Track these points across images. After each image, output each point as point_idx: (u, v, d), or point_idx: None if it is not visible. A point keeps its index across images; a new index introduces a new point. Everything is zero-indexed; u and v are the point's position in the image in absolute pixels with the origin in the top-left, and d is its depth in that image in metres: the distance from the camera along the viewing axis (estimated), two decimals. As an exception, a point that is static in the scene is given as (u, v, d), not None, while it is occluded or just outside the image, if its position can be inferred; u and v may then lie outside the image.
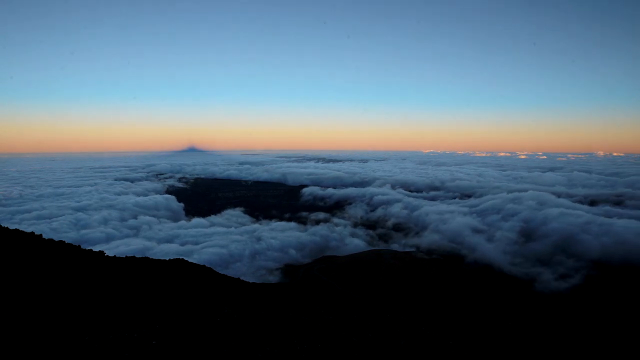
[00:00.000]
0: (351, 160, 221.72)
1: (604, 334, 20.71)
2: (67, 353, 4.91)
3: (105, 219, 55.16)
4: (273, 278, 34.37)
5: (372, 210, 67.78)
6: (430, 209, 61.16)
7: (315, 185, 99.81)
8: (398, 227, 56.31)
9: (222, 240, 43.67)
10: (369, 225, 59.58)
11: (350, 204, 75.82)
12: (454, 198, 75.96)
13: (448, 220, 52.34)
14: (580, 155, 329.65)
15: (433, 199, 75.11)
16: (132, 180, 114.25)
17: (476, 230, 47.48)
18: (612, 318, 24.48)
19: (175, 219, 59.40)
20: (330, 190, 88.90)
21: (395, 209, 64.35)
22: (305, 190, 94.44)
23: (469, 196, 75.12)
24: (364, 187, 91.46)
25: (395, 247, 46.72)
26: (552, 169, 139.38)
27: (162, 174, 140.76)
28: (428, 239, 47.42)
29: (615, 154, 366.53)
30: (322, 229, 52.89)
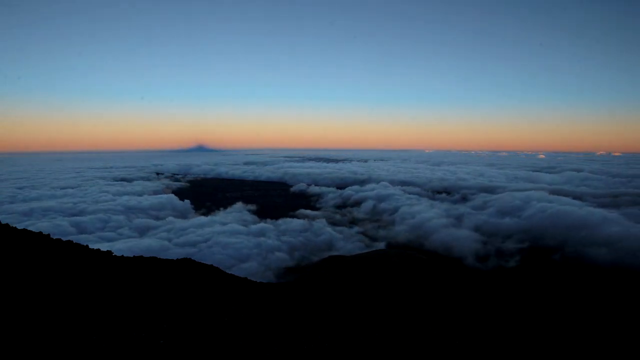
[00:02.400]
0: (350, 161, 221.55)
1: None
2: (74, 352, 4.82)
3: (105, 220, 54.60)
4: (280, 278, 34.18)
5: (371, 210, 67.66)
6: (426, 208, 61.68)
7: (317, 185, 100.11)
8: (393, 225, 56.08)
9: (229, 240, 43.33)
10: (368, 224, 59.41)
11: (350, 203, 75.78)
12: (455, 198, 76.17)
13: (445, 221, 52.89)
14: (580, 155, 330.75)
15: (432, 198, 75.18)
16: (136, 180, 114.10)
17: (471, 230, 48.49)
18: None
19: (180, 218, 59.14)
20: (332, 190, 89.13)
21: (393, 208, 64.32)
22: (308, 190, 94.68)
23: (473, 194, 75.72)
24: (363, 186, 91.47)
25: (391, 245, 46.79)
26: (540, 169, 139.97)
27: (168, 174, 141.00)
28: (423, 238, 47.74)
29: (615, 153, 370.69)
30: (324, 228, 52.77)
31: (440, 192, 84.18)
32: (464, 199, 73.21)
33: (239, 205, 71.05)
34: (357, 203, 74.44)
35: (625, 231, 40.04)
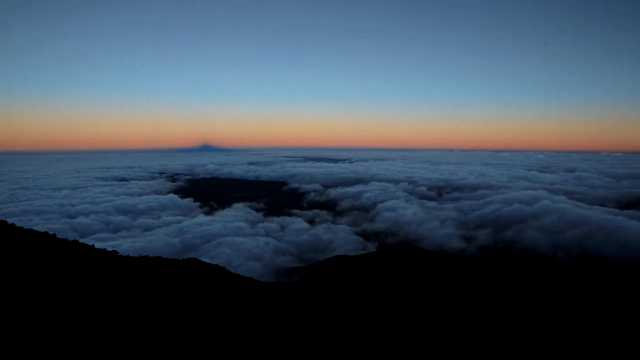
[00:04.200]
0: (352, 161, 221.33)
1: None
2: (80, 352, 4.71)
3: (107, 221, 53.84)
4: (286, 277, 33.95)
5: (367, 209, 67.35)
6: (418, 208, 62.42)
7: (318, 185, 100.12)
8: (387, 224, 55.95)
9: (233, 240, 42.89)
10: (363, 223, 59.05)
11: (348, 202, 75.49)
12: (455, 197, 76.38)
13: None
14: (579, 154, 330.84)
15: (430, 199, 75.19)
16: (141, 180, 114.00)
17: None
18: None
19: (185, 218, 58.59)
20: (332, 190, 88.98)
21: (391, 208, 64.23)
22: (309, 190, 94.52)
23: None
24: (361, 185, 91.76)
25: (386, 244, 46.91)
26: (534, 169, 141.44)
27: (173, 174, 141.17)
28: (412, 236, 48.62)
29: (616, 153, 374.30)
30: (324, 227, 52.46)
31: (433, 190, 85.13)
32: (456, 198, 74.20)
33: (242, 204, 70.69)
34: (354, 202, 74.16)
35: (560, 219, 45.96)
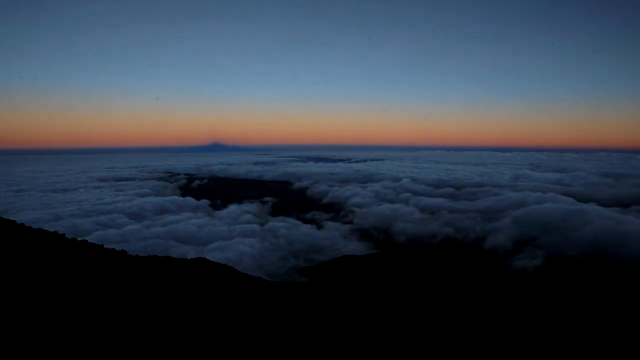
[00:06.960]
0: (356, 161, 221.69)
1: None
2: (90, 351, 4.60)
3: (109, 222, 53.25)
4: (293, 277, 33.79)
5: (364, 208, 67.05)
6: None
7: (321, 185, 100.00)
8: (387, 223, 55.87)
9: (240, 239, 42.64)
10: (360, 221, 58.82)
11: (348, 203, 75.22)
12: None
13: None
14: (579, 153, 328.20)
15: (427, 197, 75.27)
16: (148, 180, 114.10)
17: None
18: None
19: (192, 218, 58.18)
20: (333, 190, 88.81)
21: (385, 207, 64.47)
22: (312, 190, 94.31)
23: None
24: (362, 185, 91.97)
25: (385, 244, 47.00)
26: (524, 167, 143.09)
27: (179, 173, 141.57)
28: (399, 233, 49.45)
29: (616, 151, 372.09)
30: (329, 227, 52.22)
31: (429, 188, 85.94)
32: (449, 197, 74.93)
33: (249, 204, 70.31)
34: (352, 202, 73.69)
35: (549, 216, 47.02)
